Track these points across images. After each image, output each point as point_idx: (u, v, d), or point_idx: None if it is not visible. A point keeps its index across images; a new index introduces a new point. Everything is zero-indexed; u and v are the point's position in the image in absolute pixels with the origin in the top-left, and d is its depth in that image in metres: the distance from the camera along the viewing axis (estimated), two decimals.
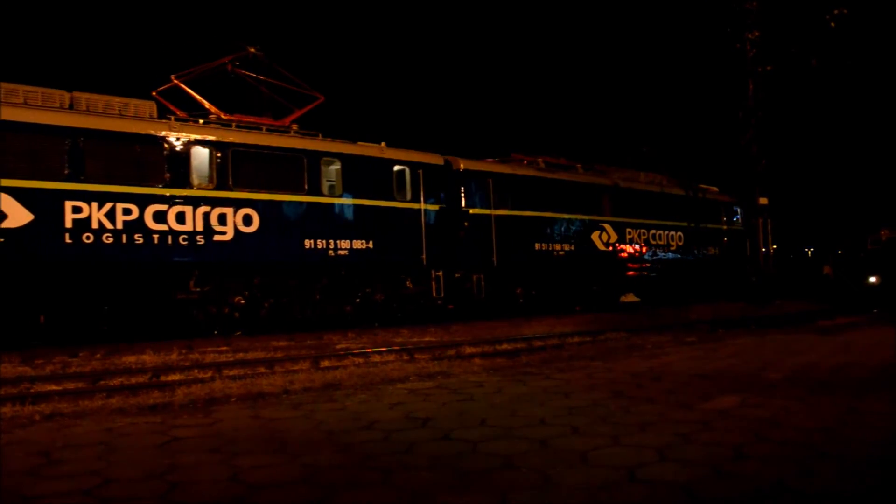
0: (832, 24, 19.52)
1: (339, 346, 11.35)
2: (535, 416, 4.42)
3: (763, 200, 22.40)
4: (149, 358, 9.96)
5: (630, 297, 21.36)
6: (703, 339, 10.24)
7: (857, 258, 26.07)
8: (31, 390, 7.29)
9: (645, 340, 10.33)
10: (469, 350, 10.34)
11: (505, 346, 10.80)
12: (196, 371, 8.47)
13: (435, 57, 47.90)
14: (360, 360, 9.26)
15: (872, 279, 23.97)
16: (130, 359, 9.92)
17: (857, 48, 20.15)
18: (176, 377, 8.06)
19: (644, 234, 21.28)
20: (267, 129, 13.82)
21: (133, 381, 7.98)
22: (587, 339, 11.54)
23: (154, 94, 13.54)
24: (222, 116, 13.65)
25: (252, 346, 11.35)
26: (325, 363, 9.05)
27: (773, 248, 26.52)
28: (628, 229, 20.71)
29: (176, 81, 13.99)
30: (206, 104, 13.88)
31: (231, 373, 8.24)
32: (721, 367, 6.62)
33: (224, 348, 11.20)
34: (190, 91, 14.05)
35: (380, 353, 9.84)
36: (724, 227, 24.58)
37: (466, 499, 2.90)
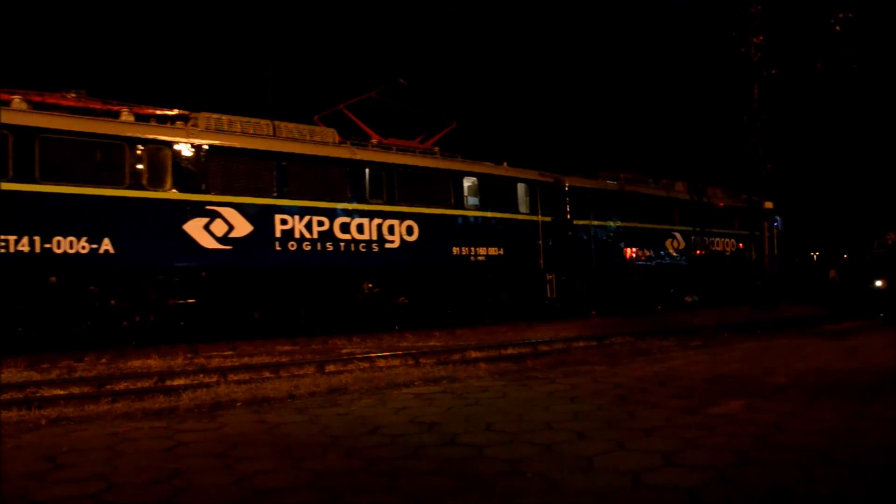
0: (837, 28, 19.48)
1: (344, 351, 11.36)
2: (541, 421, 4.41)
3: (768, 204, 22.37)
4: (154, 363, 9.99)
5: (691, 297, 23.12)
6: (709, 343, 10.21)
7: (863, 262, 25.91)
8: (37, 395, 7.30)
9: (650, 345, 10.30)
10: (474, 355, 10.32)
11: (510, 351, 10.77)
12: (201, 376, 8.48)
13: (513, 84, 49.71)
14: (366, 365, 9.26)
15: (878, 283, 23.82)
16: (136, 363, 9.94)
17: (862, 52, 20.09)
18: (181, 382, 8.06)
19: (705, 240, 23.37)
20: (419, 152, 15.91)
21: (139, 385, 7.98)
22: (592, 344, 11.51)
23: (315, 118, 15.22)
24: (382, 141, 15.52)
25: (257, 351, 11.36)
26: (331, 368, 9.05)
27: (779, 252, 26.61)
28: (693, 237, 22.83)
29: (342, 109, 15.85)
30: (367, 129, 15.71)
31: (236, 377, 8.25)
32: (726, 371, 6.60)
33: (229, 353, 11.21)
34: (354, 118, 15.85)
35: (385, 357, 9.84)
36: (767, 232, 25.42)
37: None
